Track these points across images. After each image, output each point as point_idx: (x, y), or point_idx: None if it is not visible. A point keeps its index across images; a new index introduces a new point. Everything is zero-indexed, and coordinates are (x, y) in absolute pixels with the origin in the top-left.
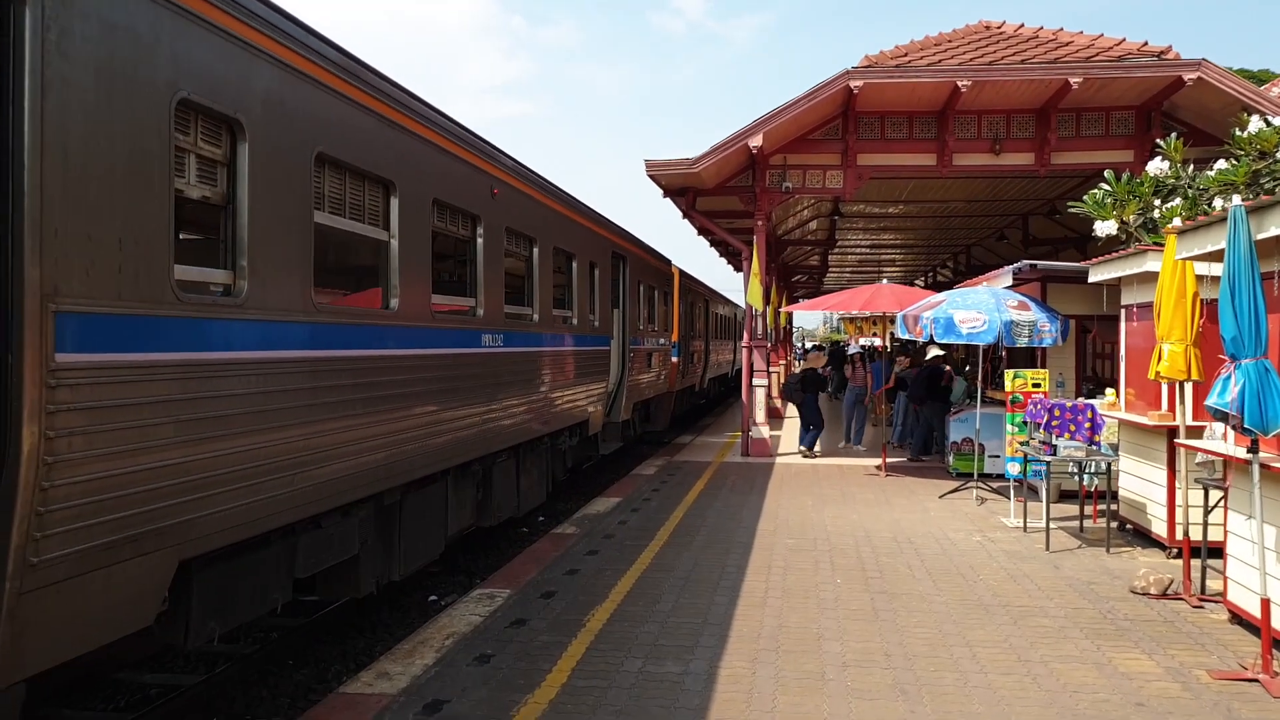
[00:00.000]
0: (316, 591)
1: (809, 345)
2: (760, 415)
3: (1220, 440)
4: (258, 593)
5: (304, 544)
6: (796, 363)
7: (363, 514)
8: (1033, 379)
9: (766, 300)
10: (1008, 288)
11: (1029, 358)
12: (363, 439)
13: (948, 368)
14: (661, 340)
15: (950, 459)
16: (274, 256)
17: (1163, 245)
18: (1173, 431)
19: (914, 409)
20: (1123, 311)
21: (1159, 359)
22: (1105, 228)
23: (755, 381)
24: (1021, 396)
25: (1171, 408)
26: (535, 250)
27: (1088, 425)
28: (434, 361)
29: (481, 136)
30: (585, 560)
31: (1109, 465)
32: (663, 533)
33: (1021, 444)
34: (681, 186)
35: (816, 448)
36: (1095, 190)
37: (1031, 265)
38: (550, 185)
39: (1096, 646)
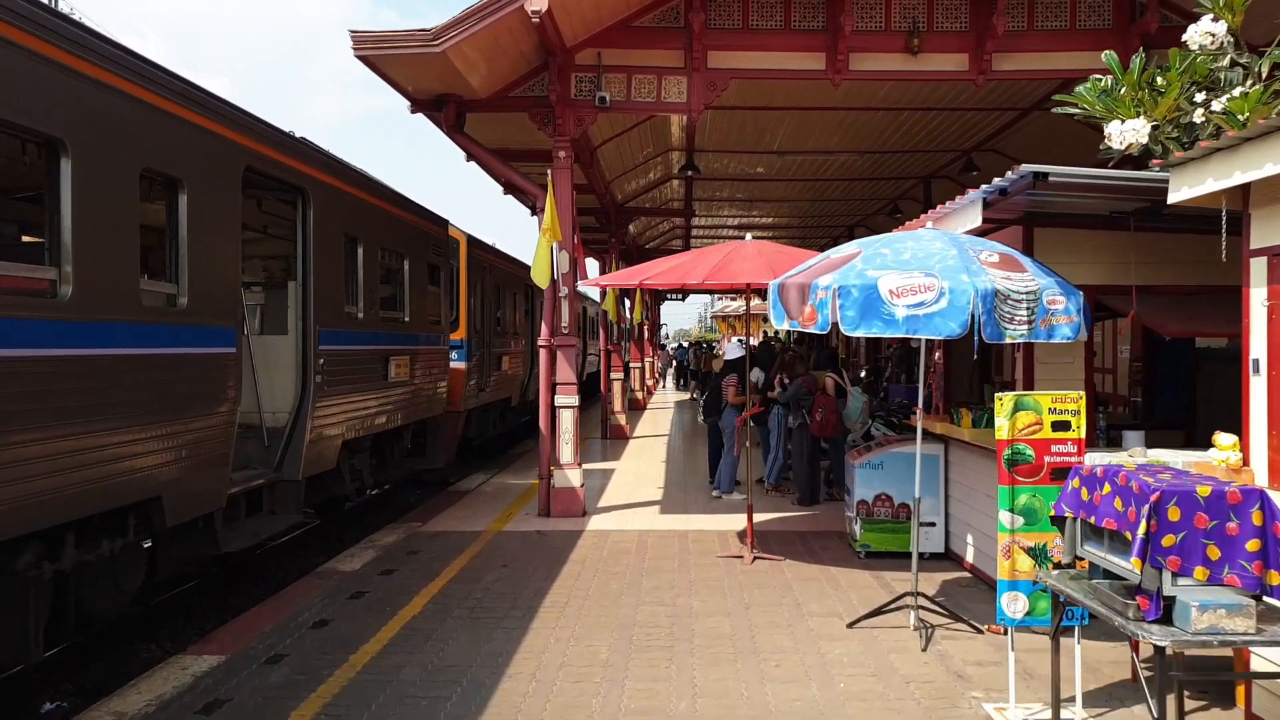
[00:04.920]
0: None
1: (684, 344)
2: (568, 453)
3: None
4: None
5: None
6: (659, 370)
7: None
8: (1055, 410)
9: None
10: (970, 232)
11: (981, 364)
12: None
13: (829, 378)
14: (427, 336)
15: (857, 528)
16: None
17: None
18: None
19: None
20: (1265, 266)
21: None
22: (1129, 131)
23: (559, 399)
24: (1032, 451)
25: None
26: None
27: (1254, 545)
28: None
29: None
30: None
31: None
32: None
33: (1039, 555)
34: (438, 93)
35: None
36: (1095, 80)
37: (1037, 174)
38: None
39: None
